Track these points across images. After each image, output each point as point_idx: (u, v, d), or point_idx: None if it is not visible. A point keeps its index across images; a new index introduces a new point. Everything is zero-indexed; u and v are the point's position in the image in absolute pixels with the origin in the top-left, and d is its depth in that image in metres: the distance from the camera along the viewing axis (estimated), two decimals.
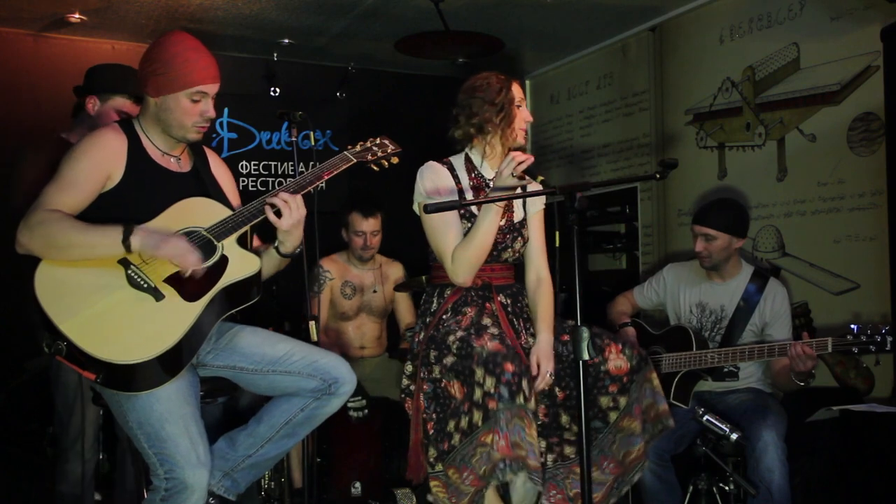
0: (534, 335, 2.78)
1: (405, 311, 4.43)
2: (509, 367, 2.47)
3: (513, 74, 2.92)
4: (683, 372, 3.38)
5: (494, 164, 2.85)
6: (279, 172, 5.63)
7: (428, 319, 2.83)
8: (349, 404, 3.58)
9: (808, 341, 3.10)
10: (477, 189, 2.85)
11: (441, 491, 2.62)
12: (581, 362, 2.20)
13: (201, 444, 2.34)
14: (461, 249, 2.71)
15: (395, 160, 2.82)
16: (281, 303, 4.15)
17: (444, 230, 2.75)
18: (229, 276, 2.39)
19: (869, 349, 3.00)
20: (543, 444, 2.68)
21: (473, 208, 2.78)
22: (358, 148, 2.78)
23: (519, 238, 2.86)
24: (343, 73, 5.71)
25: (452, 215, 2.76)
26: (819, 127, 4.10)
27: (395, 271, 4.46)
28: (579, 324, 2.21)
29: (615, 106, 5.50)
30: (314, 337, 2.88)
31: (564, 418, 2.70)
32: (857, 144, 3.92)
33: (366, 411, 3.79)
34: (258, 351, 2.50)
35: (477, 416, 2.49)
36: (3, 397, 4.26)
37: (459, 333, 2.65)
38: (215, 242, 2.39)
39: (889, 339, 2.97)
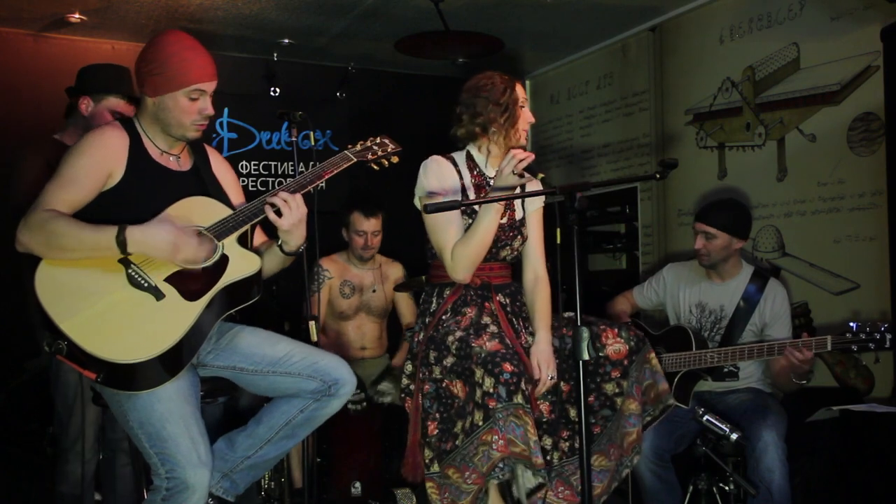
0: (533, 334, 2.78)
1: (405, 311, 4.43)
2: (507, 366, 2.47)
3: (513, 74, 2.92)
4: (683, 372, 3.38)
5: (495, 163, 2.85)
6: (279, 172, 5.63)
7: (427, 319, 2.83)
8: None
9: (807, 340, 3.09)
10: (478, 187, 2.85)
11: (434, 492, 2.61)
12: (581, 363, 2.20)
13: (202, 443, 2.34)
14: (461, 246, 2.71)
15: (395, 159, 2.81)
16: (281, 303, 4.15)
17: (444, 226, 2.75)
18: (230, 276, 2.39)
19: (868, 347, 2.98)
20: (549, 441, 2.68)
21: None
22: (358, 147, 2.77)
23: (518, 237, 2.86)
24: (343, 73, 5.71)
25: (454, 212, 2.75)
26: (819, 127, 4.10)
27: (395, 271, 4.47)
28: (578, 325, 2.21)
29: (615, 106, 5.50)
30: (314, 337, 2.87)
31: (573, 412, 2.70)
32: (857, 144, 3.92)
33: (364, 404, 3.79)
34: (258, 351, 2.50)
35: (478, 416, 2.49)
36: (3, 397, 4.25)
37: (458, 334, 2.65)
38: (215, 242, 2.39)
39: (888, 336, 2.95)
